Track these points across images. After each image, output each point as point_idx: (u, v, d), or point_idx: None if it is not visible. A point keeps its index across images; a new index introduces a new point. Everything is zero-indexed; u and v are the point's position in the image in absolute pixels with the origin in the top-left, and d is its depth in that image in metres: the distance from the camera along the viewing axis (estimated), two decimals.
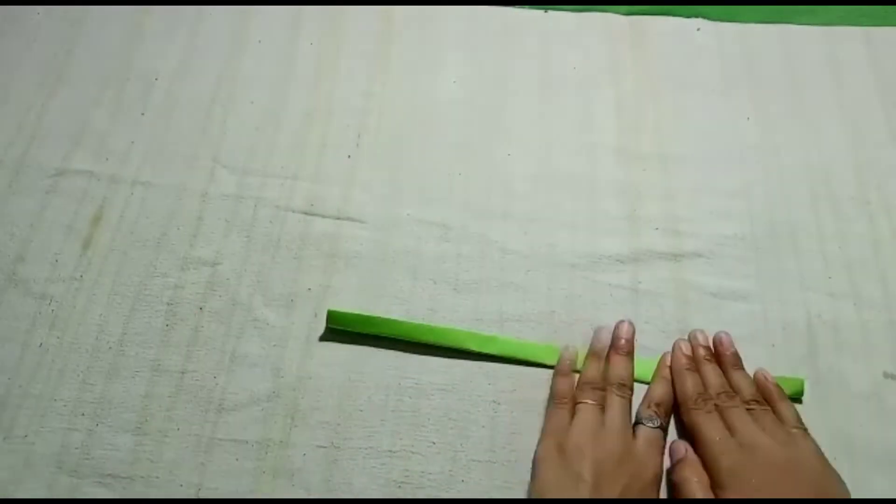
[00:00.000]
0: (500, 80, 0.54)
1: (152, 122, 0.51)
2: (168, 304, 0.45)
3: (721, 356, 0.43)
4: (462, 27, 0.56)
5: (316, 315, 0.44)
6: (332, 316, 0.44)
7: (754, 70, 0.54)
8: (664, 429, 0.40)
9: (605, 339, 0.43)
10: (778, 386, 0.41)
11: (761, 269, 0.46)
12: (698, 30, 0.56)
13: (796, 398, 0.42)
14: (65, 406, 0.41)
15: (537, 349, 0.43)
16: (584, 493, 0.35)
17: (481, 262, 0.46)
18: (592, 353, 0.43)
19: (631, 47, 0.55)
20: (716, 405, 0.40)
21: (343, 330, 0.44)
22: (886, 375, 0.43)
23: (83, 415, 0.41)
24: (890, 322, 0.44)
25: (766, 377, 0.42)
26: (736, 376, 0.42)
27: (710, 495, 0.37)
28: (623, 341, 0.43)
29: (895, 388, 0.42)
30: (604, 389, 0.41)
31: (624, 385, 0.41)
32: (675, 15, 0.56)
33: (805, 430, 0.39)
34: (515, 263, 0.46)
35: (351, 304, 0.44)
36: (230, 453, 0.40)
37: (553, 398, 0.41)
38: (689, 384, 0.41)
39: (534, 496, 0.38)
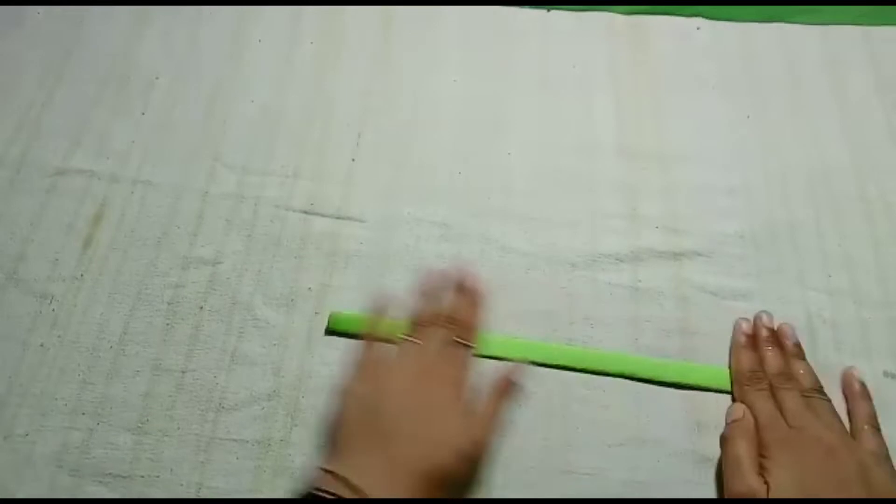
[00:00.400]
0: (500, 80, 0.54)
1: (152, 121, 0.51)
2: (168, 303, 0.45)
3: (784, 345, 0.42)
4: (462, 27, 0.56)
5: (316, 314, 0.44)
6: (334, 319, 0.44)
7: (754, 70, 0.54)
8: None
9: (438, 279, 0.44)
10: (864, 386, 0.41)
11: (761, 267, 0.46)
12: (698, 29, 0.56)
13: None
14: (65, 405, 0.41)
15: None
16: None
17: (481, 261, 0.46)
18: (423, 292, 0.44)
19: (631, 47, 0.55)
20: (770, 385, 0.40)
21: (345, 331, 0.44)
22: (886, 375, 0.43)
23: (84, 414, 0.41)
24: (890, 321, 0.44)
25: (853, 375, 0.41)
26: (797, 365, 0.41)
27: (753, 460, 0.36)
28: None
29: (895, 388, 0.42)
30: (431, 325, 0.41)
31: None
32: (675, 15, 0.57)
33: (877, 429, 0.39)
34: (515, 262, 0.46)
35: (351, 303, 0.44)
36: (230, 452, 0.40)
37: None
38: (745, 361, 0.41)
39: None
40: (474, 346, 0.41)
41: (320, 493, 0.33)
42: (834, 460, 0.35)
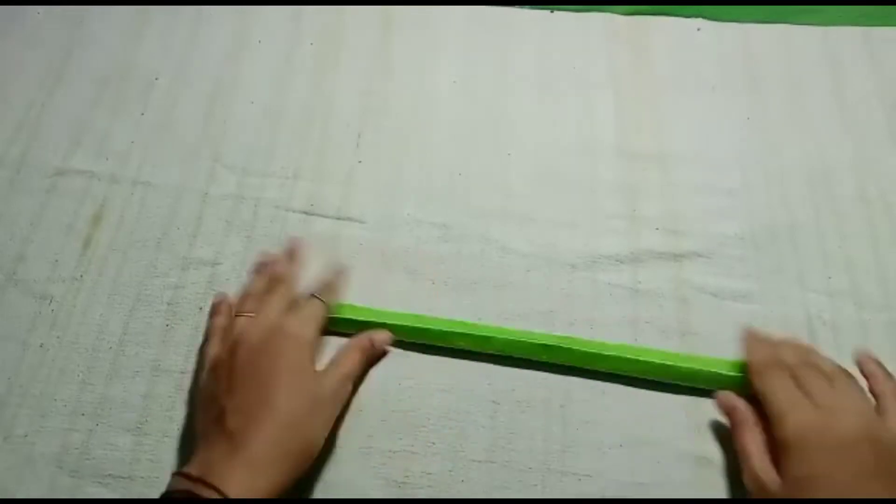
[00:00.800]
0: (500, 80, 0.54)
1: (152, 122, 0.51)
2: (168, 303, 0.45)
3: (797, 341, 0.41)
4: (462, 27, 0.56)
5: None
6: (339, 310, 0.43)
7: (754, 70, 0.54)
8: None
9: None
10: (881, 365, 0.39)
11: (761, 268, 0.46)
12: (698, 30, 0.56)
13: None
14: (65, 406, 0.41)
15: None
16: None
17: (481, 261, 0.46)
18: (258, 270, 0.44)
19: (631, 47, 0.55)
20: (791, 371, 0.38)
21: (347, 321, 0.43)
22: None
23: (83, 415, 0.41)
24: (890, 323, 0.44)
25: (868, 356, 0.39)
26: (815, 352, 0.40)
27: (761, 451, 0.35)
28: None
29: None
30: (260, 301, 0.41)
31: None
32: (675, 15, 0.56)
33: None
34: (515, 263, 0.46)
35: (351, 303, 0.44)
36: None
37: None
38: (761, 349, 0.40)
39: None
40: (321, 300, 0.41)
41: (174, 494, 0.33)
42: (859, 450, 0.34)
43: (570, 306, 0.45)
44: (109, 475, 0.39)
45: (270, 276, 0.42)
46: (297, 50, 0.55)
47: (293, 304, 0.40)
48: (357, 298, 0.45)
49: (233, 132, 0.51)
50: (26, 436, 0.40)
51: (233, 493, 0.32)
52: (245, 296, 0.42)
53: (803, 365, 0.38)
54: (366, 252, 0.47)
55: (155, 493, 0.39)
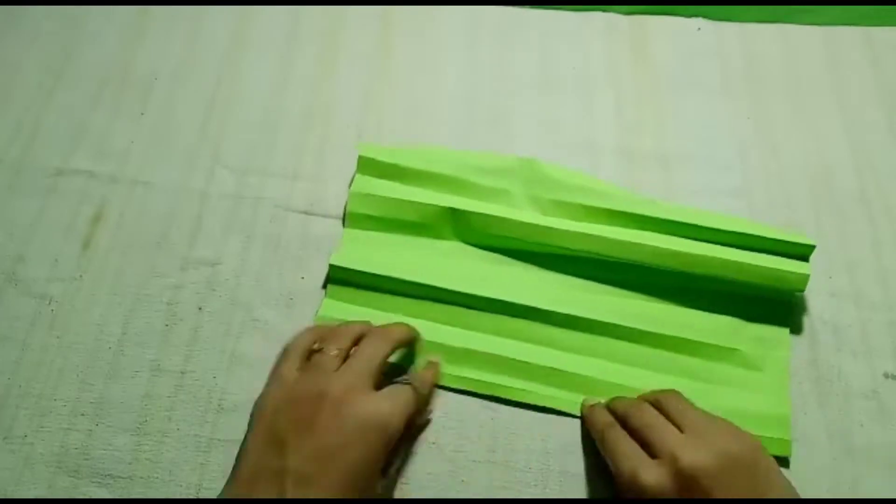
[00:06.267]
0: (500, 80, 0.54)
1: (152, 122, 0.51)
2: (168, 304, 0.44)
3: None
4: (462, 27, 0.56)
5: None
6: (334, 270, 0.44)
7: (754, 70, 0.54)
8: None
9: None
10: (669, 392, 0.39)
11: None
12: (698, 30, 0.56)
13: (783, 458, 0.40)
14: (64, 406, 0.41)
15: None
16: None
17: None
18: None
19: (631, 47, 0.55)
20: (625, 423, 0.37)
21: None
22: (886, 375, 0.43)
23: (83, 415, 0.41)
24: (890, 322, 0.44)
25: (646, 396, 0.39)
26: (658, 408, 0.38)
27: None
28: None
29: (895, 388, 0.42)
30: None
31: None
32: (675, 15, 0.56)
33: None
34: None
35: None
36: (230, 453, 0.40)
37: None
38: (599, 418, 0.39)
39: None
40: (414, 389, 0.38)
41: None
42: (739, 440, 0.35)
43: None
44: (109, 475, 0.39)
45: (380, 331, 0.39)
46: (297, 50, 0.55)
47: (379, 375, 0.37)
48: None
49: (233, 132, 0.51)
50: (26, 436, 0.40)
51: None
52: (330, 332, 0.38)
53: (633, 407, 0.38)
54: None
55: (155, 493, 0.39)
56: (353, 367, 0.36)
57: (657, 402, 0.38)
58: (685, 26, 0.56)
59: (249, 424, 0.36)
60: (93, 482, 0.39)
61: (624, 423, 0.38)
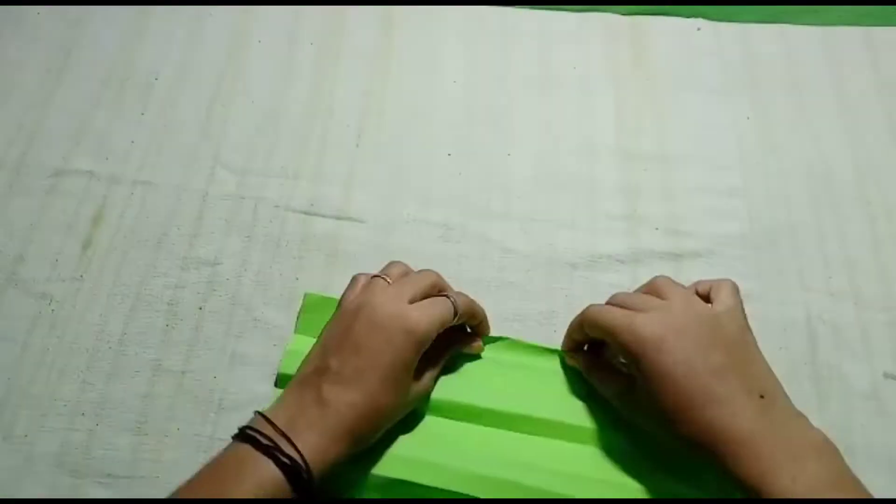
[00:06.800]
0: (500, 80, 0.54)
1: (152, 122, 0.51)
2: (168, 303, 0.45)
3: None
4: (462, 27, 0.56)
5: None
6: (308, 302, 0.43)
7: (754, 70, 0.54)
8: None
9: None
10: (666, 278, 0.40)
11: (761, 269, 0.46)
12: (698, 30, 0.56)
13: None
14: (65, 406, 0.41)
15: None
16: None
17: (481, 262, 0.46)
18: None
19: (631, 47, 0.55)
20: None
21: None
22: (886, 375, 0.43)
23: (83, 415, 0.41)
24: (890, 322, 0.44)
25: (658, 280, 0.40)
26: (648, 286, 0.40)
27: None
28: None
29: (895, 388, 0.42)
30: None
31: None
32: (675, 15, 0.56)
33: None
34: (515, 263, 0.46)
35: None
36: None
37: None
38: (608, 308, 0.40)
39: None
40: (452, 302, 0.39)
41: (258, 438, 0.33)
42: (693, 329, 0.36)
43: (570, 306, 0.45)
44: (109, 475, 0.39)
45: (432, 277, 0.41)
46: (297, 50, 0.55)
47: (428, 296, 0.39)
48: None
49: (233, 132, 0.51)
50: (26, 436, 0.40)
51: (309, 457, 0.33)
52: (396, 264, 0.42)
53: (624, 295, 0.40)
54: (366, 252, 0.47)
55: (155, 493, 0.39)
56: (395, 287, 0.39)
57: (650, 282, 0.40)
58: (685, 26, 0.56)
59: None
60: (94, 482, 0.39)
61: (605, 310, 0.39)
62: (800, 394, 0.42)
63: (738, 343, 0.36)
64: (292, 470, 0.32)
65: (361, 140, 0.51)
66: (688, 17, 0.56)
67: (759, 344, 0.43)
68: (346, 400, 0.35)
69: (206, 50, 0.55)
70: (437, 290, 0.41)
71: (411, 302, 0.38)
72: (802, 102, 0.52)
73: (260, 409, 0.36)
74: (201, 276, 0.45)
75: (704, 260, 0.46)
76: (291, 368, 0.39)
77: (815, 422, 0.41)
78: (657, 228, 0.47)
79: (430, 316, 0.37)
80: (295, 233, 0.47)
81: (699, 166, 0.50)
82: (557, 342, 0.43)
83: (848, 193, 0.49)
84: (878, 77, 0.53)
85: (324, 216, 0.48)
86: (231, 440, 0.35)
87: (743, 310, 0.37)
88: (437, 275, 0.41)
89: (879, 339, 0.44)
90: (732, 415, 0.33)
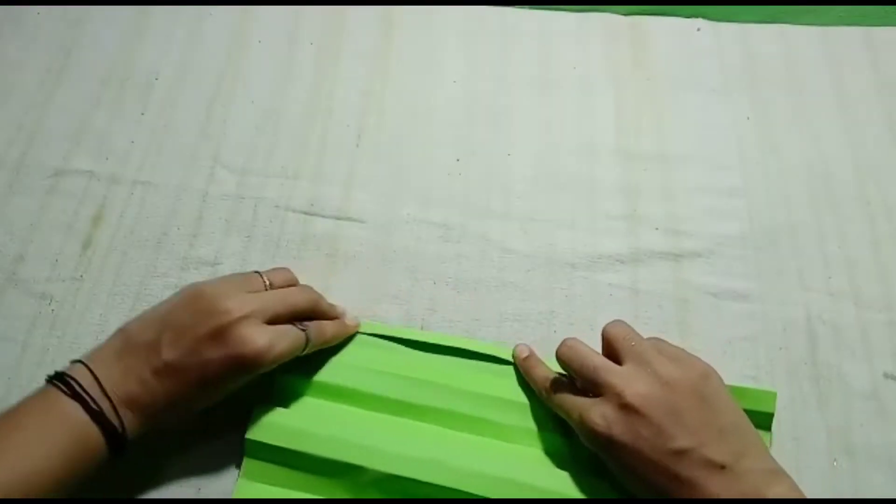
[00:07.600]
0: (500, 80, 0.54)
1: (152, 122, 0.51)
2: None
3: None
4: (462, 27, 0.56)
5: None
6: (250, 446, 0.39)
7: (754, 70, 0.54)
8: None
9: None
10: (612, 323, 0.39)
11: (761, 269, 0.46)
12: (698, 30, 0.56)
13: (767, 415, 0.39)
14: None
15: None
16: None
17: (481, 262, 0.46)
18: None
19: (631, 47, 0.55)
20: (567, 366, 0.39)
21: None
22: (886, 375, 0.43)
23: None
24: (890, 322, 0.44)
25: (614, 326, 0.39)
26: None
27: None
28: None
29: (895, 388, 0.42)
30: None
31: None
32: (675, 15, 0.56)
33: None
34: (515, 263, 0.46)
35: (351, 304, 0.44)
36: (231, 451, 0.40)
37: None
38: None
39: None
40: (305, 334, 0.38)
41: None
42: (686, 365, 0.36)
43: (570, 306, 0.45)
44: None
45: (304, 296, 0.40)
46: (296, 50, 0.55)
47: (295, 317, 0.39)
48: (357, 298, 0.45)
49: (233, 132, 0.51)
50: None
51: (102, 378, 0.35)
52: (282, 271, 0.42)
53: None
54: (366, 252, 0.47)
55: (155, 494, 0.39)
56: (265, 297, 0.38)
57: (604, 333, 0.39)
58: (685, 26, 0.56)
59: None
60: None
61: (566, 366, 0.39)
62: (800, 394, 0.42)
63: (692, 408, 0.34)
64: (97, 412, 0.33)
65: (361, 140, 0.51)
66: (688, 17, 0.56)
67: (759, 343, 0.44)
68: (164, 389, 0.35)
69: (205, 50, 0.55)
70: (309, 313, 0.40)
71: (272, 321, 0.37)
72: (802, 102, 0.52)
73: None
74: (201, 276, 0.45)
75: (704, 260, 0.46)
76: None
77: (815, 422, 0.41)
78: (657, 228, 0.47)
79: (281, 347, 0.36)
80: (295, 233, 0.47)
81: (699, 166, 0.50)
82: (557, 342, 0.43)
83: (848, 193, 0.49)
84: (878, 77, 0.53)
85: (324, 216, 0.48)
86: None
87: (690, 355, 0.37)
88: (315, 296, 0.41)
89: (879, 339, 0.44)
90: (699, 493, 0.33)
